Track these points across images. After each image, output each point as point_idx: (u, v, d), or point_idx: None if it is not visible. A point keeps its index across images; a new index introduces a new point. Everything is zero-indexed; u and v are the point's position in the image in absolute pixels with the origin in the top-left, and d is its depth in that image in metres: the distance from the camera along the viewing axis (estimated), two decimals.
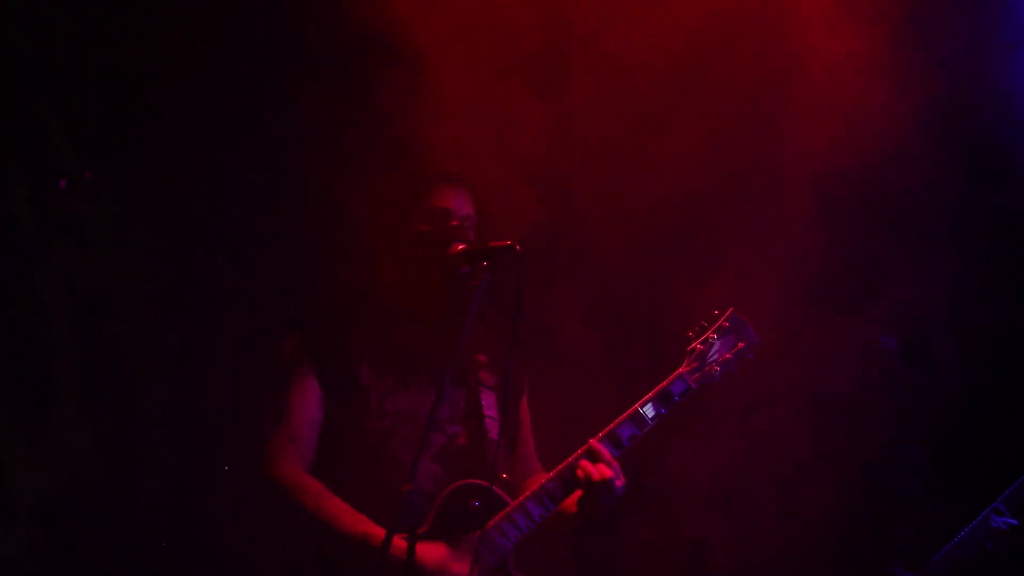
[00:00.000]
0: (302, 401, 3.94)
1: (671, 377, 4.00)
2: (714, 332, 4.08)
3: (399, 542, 3.46)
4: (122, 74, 6.25)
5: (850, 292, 5.71)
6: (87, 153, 6.23)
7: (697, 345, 4.07)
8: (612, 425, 3.92)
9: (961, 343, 5.78)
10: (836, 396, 5.54)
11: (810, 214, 5.44)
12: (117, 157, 6.32)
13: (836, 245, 5.58)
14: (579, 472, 3.83)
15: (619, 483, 3.85)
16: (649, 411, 3.94)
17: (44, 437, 6.16)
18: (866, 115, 5.32)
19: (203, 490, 6.00)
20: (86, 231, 6.31)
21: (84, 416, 6.28)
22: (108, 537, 6.03)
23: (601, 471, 3.82)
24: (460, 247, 3.88)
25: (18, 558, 5.93)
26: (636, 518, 5.58)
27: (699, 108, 5.44)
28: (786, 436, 5.62)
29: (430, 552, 3.70)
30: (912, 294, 5.68)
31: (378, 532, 3.67)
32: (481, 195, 4.16)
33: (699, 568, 5.75)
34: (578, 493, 3.90)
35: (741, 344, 4.09)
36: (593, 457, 3.85)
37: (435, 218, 4.00)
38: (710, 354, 4.05)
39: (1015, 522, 5.02)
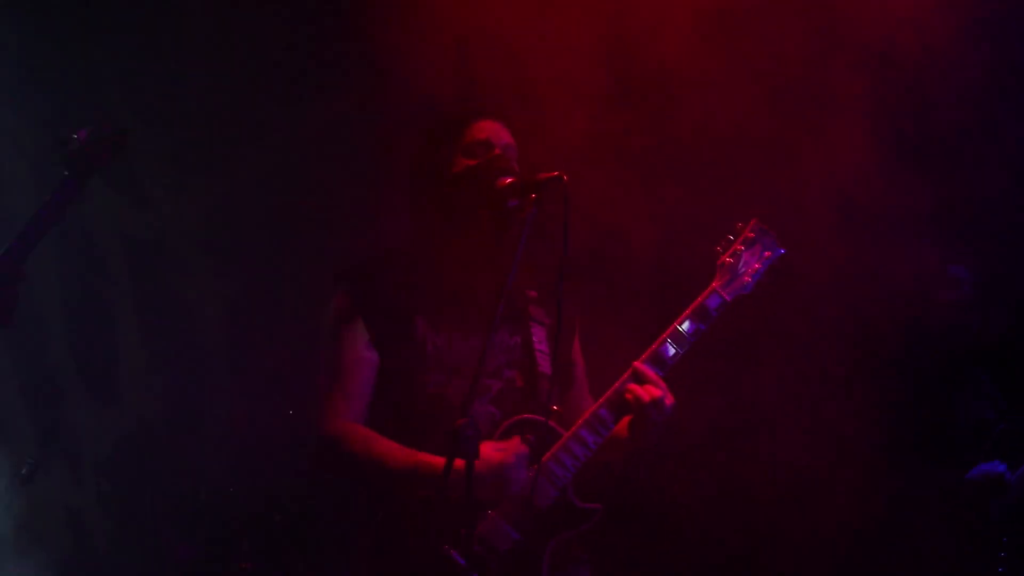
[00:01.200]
0: (354, 357, 3.90)
1: (705, 292, 3.94)
2: (741, 244, 4.01)
3: (458, 462, 3.42)
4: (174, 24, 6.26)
5: (915, 219, 5.62)
6: (144, 107, 6.29)
7: (726, 258, 4.00)
8: (654, 346, 3.87)
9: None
10: (902, 327, 5.47)
11: (862, 139, 5.35)
12: (168, 111, 6.35)
13: (894, 171, 5.48)
14: (628, 395, 3.79)
15: (668, 401, 3.80)
16: (687, 328, 3.88)
17: (112, 391, 6.25)
18: (919, 32, 5.22)
19: (267, 439, 6.04)
20: (141, 184, 6.37)
21: (151, 368, 6.36)
22: (175, 487, 6.09)
23: (649, 391, 3.78)
24: (507, 180, 3.83)
25: (87, 509, 6.04)
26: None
27: (743, 28, 5.36)
28: (853, 363, 5.55)
29: (483, 452, 3.64)
30: (977, 221, 5.58)
31: (432, 459, 3.65)
32: (516, 129, 4.11)
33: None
34: (628, 418, 3.87)
35: (768, 253, 4.02)
36: (639, 379, 3.81)
37: (476, 151, 3.95)
38: (740, 266, 3.99)
39: None
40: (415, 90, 5.45)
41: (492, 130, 3.98)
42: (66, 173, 3.82)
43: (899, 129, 5.46)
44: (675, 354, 3.86)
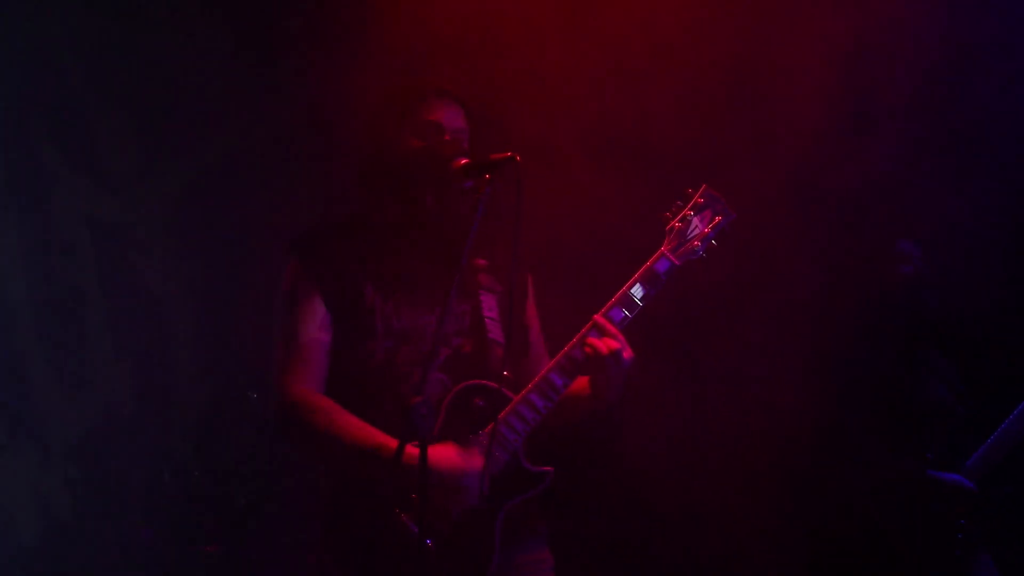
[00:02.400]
0: (310, 324, 3.92)
1: (654, 256, 3.94)
2: (690, 209, 4.01)
3: (411, 450, 3.44)
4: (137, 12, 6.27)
5: (862, 200, 5.64)
6: (107, 92, 6.30)
7: (675, 223, 4.00)
8: (603, 309, 3.88)
9: (980, 245, 5.68)
10: (855, 305, 5.45)
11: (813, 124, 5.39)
12: (132, 93, 6.35)
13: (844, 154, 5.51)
14: (587, 348, 3.79)
15: (626, 355, 3.81)
16: (637, 291, 3.89)
17: (79, 375, 6.23)
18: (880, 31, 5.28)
19: (233, 421, 6.04)
20: (106, 167, 6.36)
21: (118, 352, 6.35)
22: (142, 472, 6.08)
23: (608, 344, 3.78)
24: (463, 161, 3.84)
25: (55, 495, 6.02)
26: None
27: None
28: (807, 346, 5.55)
29: (442, 454, 3.68)
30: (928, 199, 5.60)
31: (390, 443, 3.66)
32: (474, 108, 4.11)
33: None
34: (582, 380, 3.88)
35: (719, 218, 4.03)
36: (599, 332, 3.82)
37: (427, 132, 3.95)
38: (689, 231, 3.99)
39: None
40: (373, 64, 5.46)
41: (444, 112, 3.99)
42: None
43: (848, 106, 5.48)
44: (624, 318, 3.86)
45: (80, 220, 6.27)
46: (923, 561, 5.02)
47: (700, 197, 4.05)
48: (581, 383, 3.89)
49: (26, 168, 6.01)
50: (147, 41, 6.33)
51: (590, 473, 5.75)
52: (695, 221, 4.02)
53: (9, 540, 5.73)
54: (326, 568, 3.80)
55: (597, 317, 3.83)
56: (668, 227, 4.01)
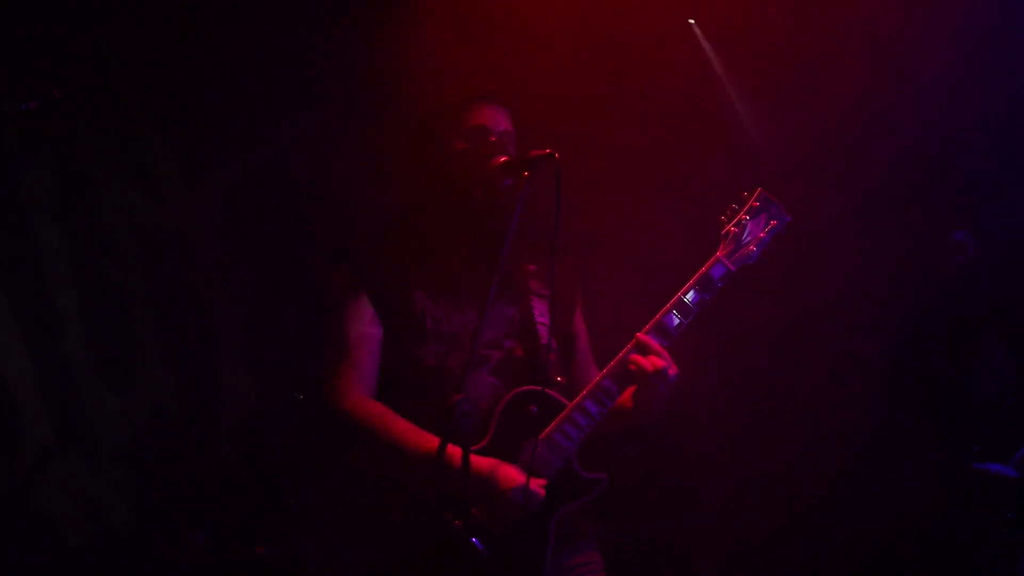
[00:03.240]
0: (360, 330, 3.93)
1: (710, 262, 3.94)
2: (746, 213, 4.01)
3: (455, 451, 3.47)
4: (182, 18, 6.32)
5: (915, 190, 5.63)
6: (153, 99, 6.35)
7: (731, 228, 4.00)
8: (658, 316, 3.88)
9: None
10: (908, 301, 5.46)
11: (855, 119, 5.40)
12: (182, 104, 6.41)
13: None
14: (631, 366, 3.81)
15: (672, 372, 3.82)
16: (692, 298, 3.89)
17: (127, 382, 6.29)
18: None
19: (282, 424, 6.08)
20: (154, 177, 6.42)
21: (165, 359, 6.41)
22: (191, 474, 6.13)
23: (653, 362, 3.79)
24: (502, 159, 3.87)
25: (104, 497, 6.08)
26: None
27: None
28: (860, 346, 5.56)
29: (489, 463, 3.71)
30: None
31: (448, 449, 3.68)
32: (518, 113, 4.14)
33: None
34: (632, 388, 3.89)
35: (774, 223, 4.02)
36: (643, 350, 3.82)
37: (472, 136, 3.99)
38: (744, 236, 3.99)
39: None
40: (418, 76, 5.50)
41: (490, 116, 4.02)
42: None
43: (887, 97, 5.48)
44: (679, 324, 3.86)
45: (128, 227, 6.33)
46: (969, 556, 5.02)
47: (755, 201, 4.04)
48: (627, 394, 3.90)
49: (74, 176, 6.08)
50: (192, 45, 6.38)
51: (640, 477, 5.76)
52: (750, 226, 4.01)
53: (57, 543, 5.79)
54: (377, 570, 3.83)
55: (640, 335, 3.84)
56: (723, 231, 4.00)
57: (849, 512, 5.58)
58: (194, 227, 6.53)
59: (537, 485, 3.68)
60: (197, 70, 6.40)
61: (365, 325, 3.91)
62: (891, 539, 5.28)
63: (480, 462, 3.68)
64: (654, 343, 3.82)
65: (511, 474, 3.67)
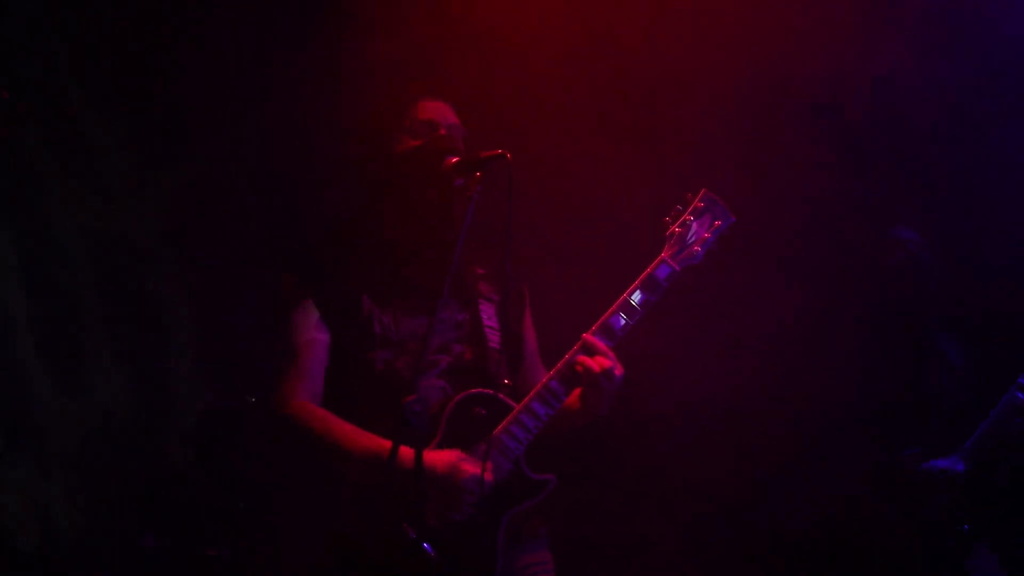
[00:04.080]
0: (305, 337, 3.94)
1: (655, 263, 3.96)
2: (690, 214, 4.04)
3: (407, 452, 3.46)
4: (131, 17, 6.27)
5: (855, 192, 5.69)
6: (102, 99, 6.30)
7: (675, 228, 4.03)
8: (603, 317, 3.90)
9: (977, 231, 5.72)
10: (853, 299, 5.49)
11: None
12: (131, 102, 6.36)
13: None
14: (578, 367, 3.82)
15: (618, 372, 3.84)
16: (637, 298, 3.91)
17: (77, 384, 6.24)
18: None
19: (233, 426, 6.05)
20: (103, 177, 6.37)
21: (116, 361, 6.36)
22: (142, 478, 6.10)
23: (600, 362, 3.81)
24: (453, 160, 3.86)
25: (54, 501, 6.03)
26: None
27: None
28: (809, 336, 5.59)
29: (441, 459, 3.71)
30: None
31: (388, 446, 3.68)
32: (461, 111, 4.14)
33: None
34: (579, 389, 3.90)
35: (718, 223, 4.04)
36: (589, 351, 3.84)
37: (420, 131, 3.98)
38: (689, 236, 4.02)
39: None
40: (364, 70, 5.49)
41: (437, 110, 4.02)
42: None
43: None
44: (625, 324, 3.89)
45: (76, 227, 6.27)
46: (921, 552, 5.04)
47: (700, 201, 4.07)
48: (575, 395, 3.92)
49: (20, 176, 6.02)
50: (140, 44, 6.33)
51: (589, 476, 5.78)
52: (695, 226, 4.04)
53: (7, 547, 5.74)
54: (326, 572, 3.82)
55: (586, 336, 3.86)
56: (668, 232, 4.03)
57: (796, 513, 5.61)
58: (144, 227, 6.48)
59: (489, 474, 3.70)
60: (146, 69, 6.35)
61: (311, 331, 3.91)
62: (837, 540, 5.30)
63: (433, 455, 3.69)
64: (600, 344, 3.83)
65: (463, 463, 3.69)
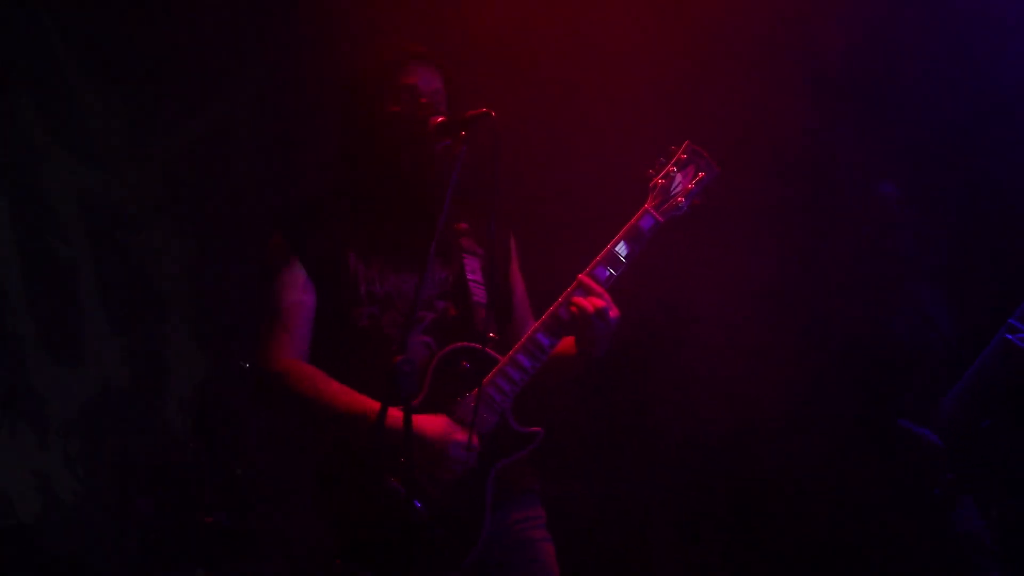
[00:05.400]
0: (293, 297, 3.94)
1: (638, 214, 3.94)
2: (673, 165, 4.01)
3: (396, 413, 3.45)
4: None
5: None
6: (94, 68, 6.30)
7: (658, 180, 4.00)
8: (588, 267, 3.89)
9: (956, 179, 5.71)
10: (838, 248, 5.46)
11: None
12: (124, 72, 6.37)
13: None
14: (572, 308, 3.81)
15: (613, 313, 3.82)
16: (622, 250, 3.89)
17: (74, 354, 6.25)
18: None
19: (228, 392, 6.07)
20: (96, 146, 6.37)
21: (112, 330, 6.38)
22: (139, 446, 6.11)
23: (593, 302, 3.80)
24: (438, 120, 3.85)
25: (53, 470, 6.05)
26: None
27: None
28: (789, 293, 5.58)
29: (429, 422, 3.70)
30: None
31: (377, 407, 3.67)
32: (450, 72, 4.12)
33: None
34: (568, 340, 3.89)
35: (702, 174, 4.01)
36: (584, 291, 3.83)
37: (403, 97, 3.97)
38: (672, 187, 3.99)
39: None
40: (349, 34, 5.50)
41: (421, 75, 4.00)
42: None
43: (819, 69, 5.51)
44: (610, 276, 3.87)
45: (71, 196, 6.28)
46: (902, 509, 5.03)
47: (683, 153, 4.05)
48: (567, 343, 3.90)
49: (14, 145, 6.02)
50: (132, 14, 6.34)
51: (583, 432, 5.79)
52: (678, 177, 4.01)
53: (8, 517, 5.76)
54: (320, 534, 3.82)
55: (582, 276, 3.84)
56: (651, 184, 4.01)
57: (780, 465, 5.61)
58: (138, 196, 6.50)
59: (476, 439, 3.69)
60: (137, 38, 6.37)
61: (298, 291, 3.92)
62: (820, 496, 5.31)
63: (423, 420, 3.68)
64: (595, 284, 3.82)
65: (452, 430, 3.68)
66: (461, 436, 3.68)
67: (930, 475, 4.94)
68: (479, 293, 3.97)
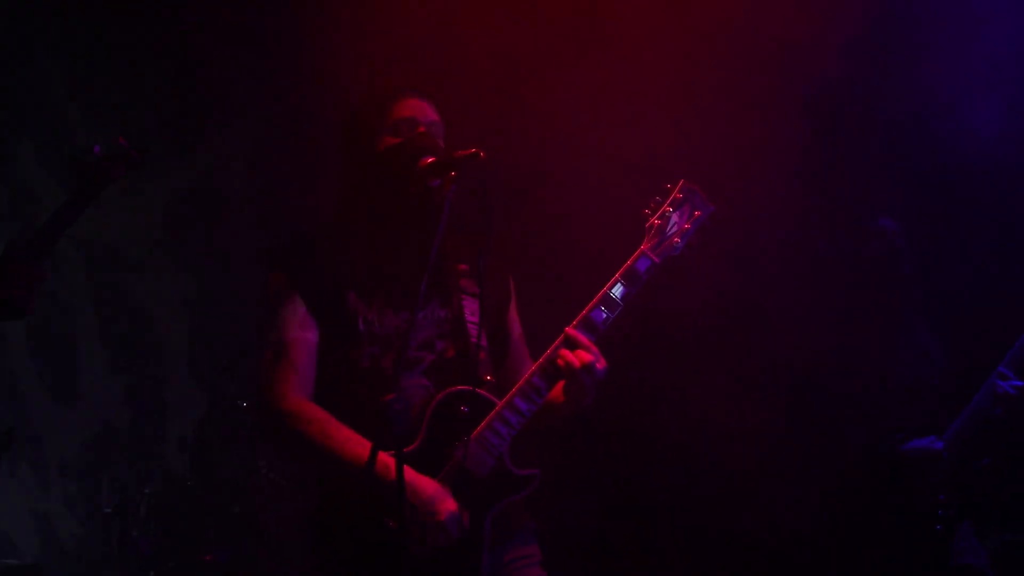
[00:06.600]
0: (296, 333, 3.92)
1: (634, 255, 3.94)
2: (669, 205, 4.01)
3: (390, 460, 3.46)
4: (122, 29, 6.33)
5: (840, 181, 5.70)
6: (93, 109, 6.35)
7: (655, 221, 4.01)
8: (585, 311, 3.88)
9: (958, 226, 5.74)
10: (837, 282, 5.49)
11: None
12: (123, 113, 6.41)
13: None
14: (559, 361, 3.82)
15: (600, 365, 3.82)
16: (618, 291, 3.89)
17: (73, 395, 6.28)
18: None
19: (227, 431, 6.08)
20: None
21: (111, 371, 6.40)
22: (139, 485, 6.12)
23: (580, 356, 3.80)
24: (429, 160, 3.87)
25: (53, 510, 6.07)
26: None
27: None
28: (789, 326, 5.60)
29: (426, 486, 3.70)
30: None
31: (383, 458, 3.68)
32: (443, 106, 4.15)
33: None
34: (562, 383, 3.91)
35: (697, 213, 4.02)
36: (571, 344, 3.84)
37: (400, 129, 3.99)
38: (668, 228, 3.99)
39: (1021, 384, 4.91)
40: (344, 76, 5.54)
41: (417, 108, 4.02)
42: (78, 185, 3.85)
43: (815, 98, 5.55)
44: (606, 318, 3.87)
45: (69, 237, 6.31)
46: (904, 537, 5.04)
47: (679, 192, 4.04)
48: (557, 388, 3.92)
49: (13, 186, 6.06)
50: (130, 56, 6.38)
51: (576, 471, 5.80)
52: (674, 217, 4.00)
53: (8, 556, 5.77)
54: (316, 571, 3.83)
55: (569, 329, 3.85)
56: (647, 224, 4.00)
57: (781, 500, 5.61)
58: (137, 237, 6.52)
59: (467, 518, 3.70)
60: (134, 78, 6.40)
61: (300, 327, 3.90)
62: (824, 522, 5.30)
63: (420, 481, 3.68)
64: (582, 337, 3.83)
65: (447, 503, 3.68)
66: (455, 507, 3.69)
67: (932, 485, 4.97)
68: (477, 335, 3.98)
